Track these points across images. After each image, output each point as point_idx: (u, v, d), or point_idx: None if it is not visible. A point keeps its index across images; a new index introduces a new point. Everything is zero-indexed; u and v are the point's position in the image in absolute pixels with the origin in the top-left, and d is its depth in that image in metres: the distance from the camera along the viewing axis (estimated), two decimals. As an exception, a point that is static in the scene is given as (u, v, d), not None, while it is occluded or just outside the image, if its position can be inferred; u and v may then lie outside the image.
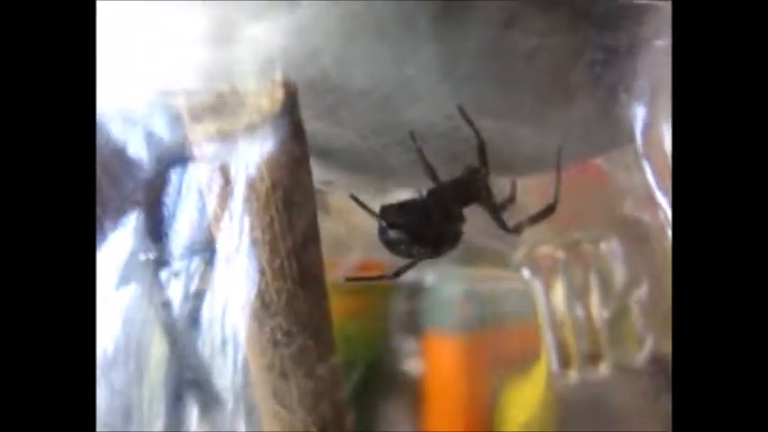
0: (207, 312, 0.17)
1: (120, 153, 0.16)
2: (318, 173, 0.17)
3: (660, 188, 0.18)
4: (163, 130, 0.16)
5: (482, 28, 0.15)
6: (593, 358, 0.16)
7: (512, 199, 0.18)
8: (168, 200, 0.16)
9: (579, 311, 0.16)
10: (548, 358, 0.16)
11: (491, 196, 0.17)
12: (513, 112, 0.16)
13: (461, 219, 0.17)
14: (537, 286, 0.16)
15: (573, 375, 0.16)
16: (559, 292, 0.16)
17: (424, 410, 0.19)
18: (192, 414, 0.18)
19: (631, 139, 0.18)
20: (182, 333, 0.17)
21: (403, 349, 0.19)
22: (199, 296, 0.17)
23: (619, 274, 0.16)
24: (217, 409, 0.18)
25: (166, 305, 0.17)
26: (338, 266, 0.19)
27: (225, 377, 0.17)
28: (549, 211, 0.17)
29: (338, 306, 0.17)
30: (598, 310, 0.16)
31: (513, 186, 0.18)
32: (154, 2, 0.14)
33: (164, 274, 0.17)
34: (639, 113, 0.18)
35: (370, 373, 0.19)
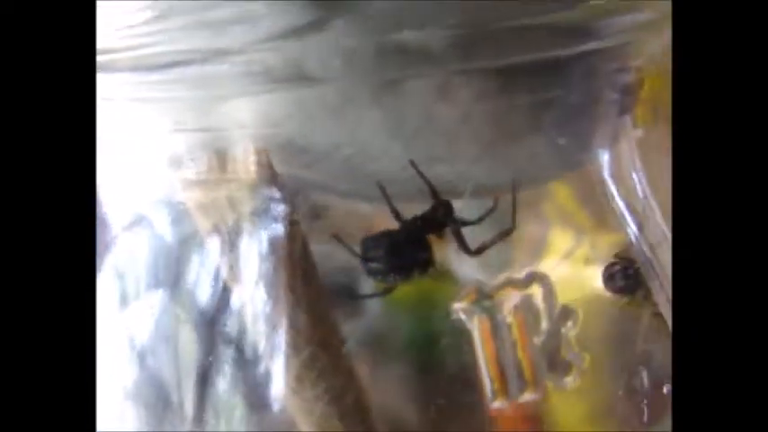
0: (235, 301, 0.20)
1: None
2: (315, 200, 0.20)
3: (628, 209, 0.20)
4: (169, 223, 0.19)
5: (416, 100, 0.17)
6: (521, 389, 0.19)
7: (494, 209, 0.20)
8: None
9: (508, 349, 0.18)
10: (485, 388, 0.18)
11: (456, 224, 0.19)
12: (462, 158, 0.18)
13: (430, 248, 0.19)
14: (472, 327, 0.18)
15: (499, 404, 0.18)
16: (489, 334, 0.18)
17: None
18: (219, 390, 0.20)
19: (587, 162, 0.20)
20: (208, 322, 0.20)
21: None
22: (226, 290, 0.20)
23: (549, 308, 0.19)
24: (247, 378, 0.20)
25: (193, 302, 0.20)
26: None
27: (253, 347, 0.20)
28: (506, 233, 0.19)
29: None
30: (527, 344, 0.18)
31: (496, 200, 0.20)
32: (140, 102, 0.18)
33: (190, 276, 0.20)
34: (590, 141, 0.20)
35: (434, 337, 0.20)
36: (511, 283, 0.18)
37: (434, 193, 0.18)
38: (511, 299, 0.18)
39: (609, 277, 0.20)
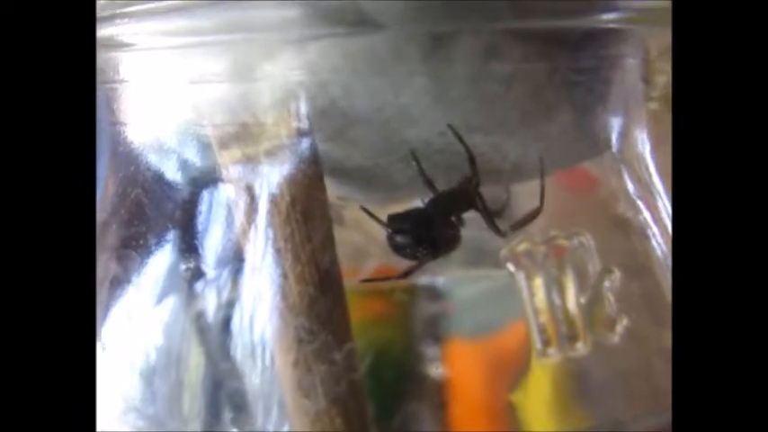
0: (237, 319, 0.19)
1: (159, 178, 0.18)
2: (333, 190, 0.19)
3: (635, 189, 0.20)
4: (195, 157, 0.18)
5: (465, 59, 0.17)
6: (571, 339, 0.18)
7: (506, 207, 0.20)
8: (201, 217, 0.19)
9: (557, 299, 0.18)
10: (533, 341, 0.18)
11: (484, 203, 0.19)
12: (499, 128, 0.18)
13: (459, 224, 0.19)
14: (520, 278, 0.18)
15: (552, 353, 0.18)
16: (539, 283, 0.18)
17: (447, 414, 0.20)
18: (227, 415, 0.19)
19: (607, 147, 0.20)
20: (215, 340, 0.19)
21: (425, 354, 0.20)
22: (230, 305, 0.19)
23: (592, 265, 0.19)
24: (249, 409, 0.19)
25: (201, 314, 0.20)
26: (359, 273, 0.20)
27: (255, 379, 0.19)
28: (534, 214, 0.19)
29: (360, 311, 0.20)
30: (574, 296, 0.18)
31: (507, 195, 0.20)
32: (181, 50, 0.17)
33: (198, 286, 0.20)
34: (614, 124, 0.20)
35: (394, 377, 0.20)
36: (557, 238, 0.18)
37: (472, 159, 0.18)
38: (558, 250, 0.18)
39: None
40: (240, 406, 0.20)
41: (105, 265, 0.19)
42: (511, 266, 0.18)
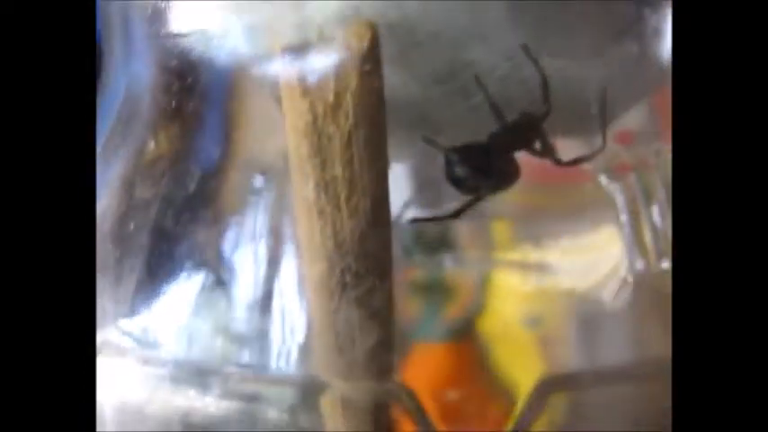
0: (282, 257, 0.18)
1: (219, 89, 0.17)
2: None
3: None
4: (255, 70, 0.17)
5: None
6: (664, 253, 0.18)
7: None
8: (258, 131, 0.17)
9: (651, 211, 0.18)
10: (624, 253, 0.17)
11: (545, 136, 0.18)
12: (567, 53, 0.18)
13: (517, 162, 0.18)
14: (614, 190, 0.18)
15: (648, 265, 0.17)
16: (633, 195, 0.17)
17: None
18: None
19: (663, 82, 0.19)
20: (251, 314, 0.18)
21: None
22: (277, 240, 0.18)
23: None
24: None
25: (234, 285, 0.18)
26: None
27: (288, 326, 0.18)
28: (596, 153, 0.18)
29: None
30: (665, 211, 0.18)
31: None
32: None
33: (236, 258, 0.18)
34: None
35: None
36: (646, 155, 0.18)
37: (545, 83, 0.17)
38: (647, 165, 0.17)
39: None
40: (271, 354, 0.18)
41: (155, 183, 0.17)
42: (605, 179, 0.17)
